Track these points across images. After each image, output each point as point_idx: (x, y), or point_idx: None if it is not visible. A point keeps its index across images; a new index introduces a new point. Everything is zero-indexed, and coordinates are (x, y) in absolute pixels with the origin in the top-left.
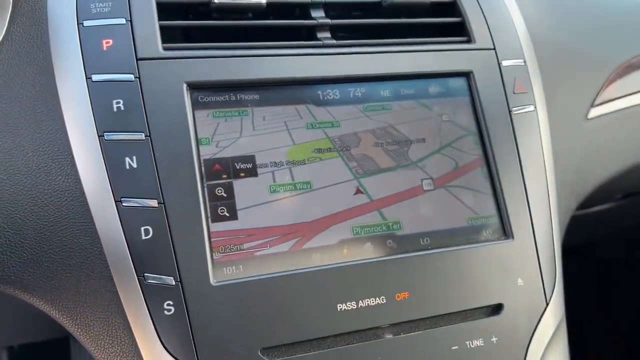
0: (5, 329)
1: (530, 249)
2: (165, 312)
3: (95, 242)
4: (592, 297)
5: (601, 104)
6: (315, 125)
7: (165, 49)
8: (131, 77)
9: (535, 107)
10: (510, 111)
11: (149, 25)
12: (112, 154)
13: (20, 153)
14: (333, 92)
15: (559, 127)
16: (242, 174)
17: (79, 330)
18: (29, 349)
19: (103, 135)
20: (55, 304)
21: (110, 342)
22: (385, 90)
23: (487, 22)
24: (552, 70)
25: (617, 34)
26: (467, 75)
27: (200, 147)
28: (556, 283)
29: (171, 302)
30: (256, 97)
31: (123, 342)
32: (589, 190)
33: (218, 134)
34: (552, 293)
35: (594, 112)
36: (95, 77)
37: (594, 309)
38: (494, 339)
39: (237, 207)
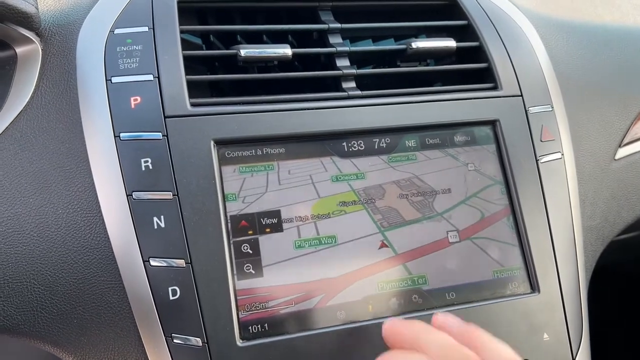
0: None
1: (556, 303)
2: None
3: (124, 301)
4: (617, 318)
5: (629, 143)
6: (340, 178)
7: (192, 104)
8: (159, 135)
9: (562, 154)
10: (537, 160)
11: (177, 81)
12: (140, 213)
13: (50, 210)
14: (358, 143)
15: (586, 171)
16: (268, 230)
17: None
18: None
19: (131, 195)
20: None
21: None
22: (410, 140)
23: (513, 67)
24: (579, 112)
25: None
26: (493, 123)
27: (227, 204)
28: (582, 337)
29: None
30: (282, 150)
31: None
32: (616, 232)
33: (244, 189)
34: (579, 348)
35: (622, 152)
36: (123, 135)
37: (616, 325)
38: None
39: (263, 264)
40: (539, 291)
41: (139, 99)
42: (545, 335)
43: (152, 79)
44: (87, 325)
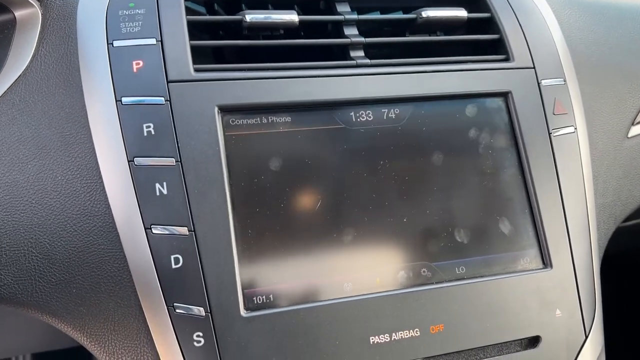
0: (29, 336)
1: (569, 279)
2: (195, 343)
3: (124, 269)
4: (627, 307)
5: None
6: (348, 148)
7: (196, 70)
8: (162, 100)
9: (575, 129)
10: (550, 133)
11: (180, 45)
12: (142, 180)
13: (49, 176)
14: (366, 113)
15: (598, 148)
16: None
17: (107, 357)
18: (53, 355)
19: (133, 160)
20: (84, 330)
21: None
22: (420, 111)
23: (526, 39)
24: (592, 87)
25: None
26: (505, 95)
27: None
28: (596, 313)
29: (201, 334)
30: (288, 119)
31: None
32: (628, 212)
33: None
34: (592, 324)
35: (635, 131)
36: (125, 100)
37: (629, 319)
38: None
39: (268, 234)
40: (551, 267)
41: (141, 63)
42: (558, 311)
43: (155, 42)
44: (87, 295)
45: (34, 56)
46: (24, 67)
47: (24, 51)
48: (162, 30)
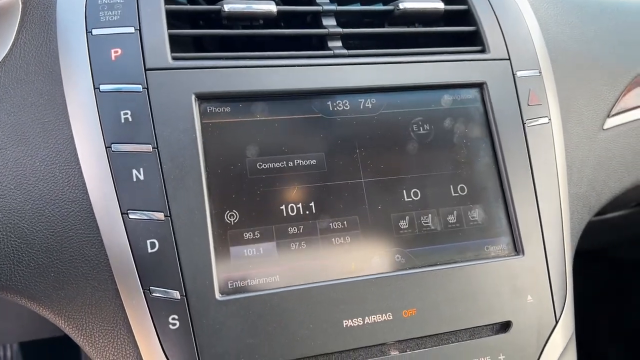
0: (16, 325)
1: (541, 265)
2: (170, 326)
3: (102, 253)
4: (602, 300)
5: (617, 113)
6: (323, 136)
7: (174, 58)
8: (139, 87)
9: (549, 119)
10: (524, 124)
11: (158, 34)
12: (119, 166)
13: (28, 162)
14: (343, 102)
15: (573, 139)
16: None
17: (85, 340)
18: (40, 344)
19: (110, 147)
20: (62, 314)
21: (115, 354)
22: (396, 101)
23: (502, 31)
24: (568, 79)
25: (636, 42)
26: (480, 86)
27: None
28: (566, 300)
29: (176, 317)
30: (265, 108)
31: (128, 355)
32: (603, 202)
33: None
34: (562, 310)
35: (610, 123)
36: (103, 88)
37: (603, 311)
38: (501, 357)
39: (243, 219)
40: (523, 254)
41: (119, 51)
42: (529, 297)
43: (134, 31)
44: (65, 279)
45: (13, 44)
46: (4, 55)
47: (3, 39)
48: (140, 19)
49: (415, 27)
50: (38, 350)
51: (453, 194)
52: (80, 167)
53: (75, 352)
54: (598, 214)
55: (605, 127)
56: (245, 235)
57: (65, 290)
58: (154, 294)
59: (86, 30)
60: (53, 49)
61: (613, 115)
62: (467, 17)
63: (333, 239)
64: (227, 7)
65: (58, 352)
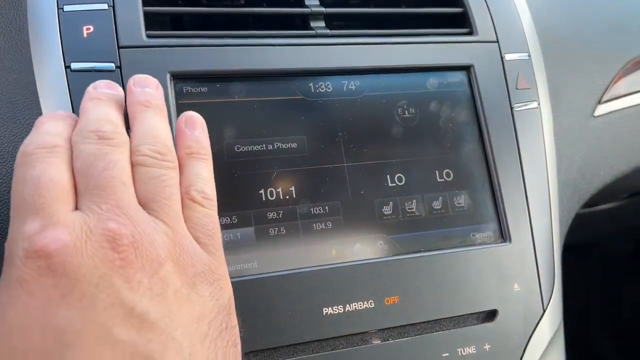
0: None
1: (528, 253)
2: None
3: None
4: (594, 294)
5: (608, 100)
6: (305, 118)
7: (149, 36)
8: (112, 66)
9: (538, 104)
10: (512, 108)
11: (133, 11)
12: None
13: None
14: (325, 84)
15: (563, 125)
16: None
17: None
18: None
19: None
20: None
21: None
22: (380, 83)
23: (490, 13)
24: (558, 64)
25: (627, 28)
26: (467, 69)
27: None
28: (554, 289)
29: None
30: (243, 88)
31: None
32: (593, 191)
33: None
34: (550, 299)
35: (601, 110)
36: (74, 66)
37: (595, 306)
38: (487, 347)
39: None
40: (510, 241)
41: (91, 28)
42: (516, 286)
43: (107, 7)
44: None
45: None
46: None
47: None
48: None
49: (401, 8)
50: None
51: (438, 180)
52: None
53: None
54: (588, 205)
55: (595, 114)
56: (223, 220)
57: None
58: None
59: (57, 6)
60: (23, 25)
61: (604, 102)
62: None
63: (314, 225)
64: None
65: None
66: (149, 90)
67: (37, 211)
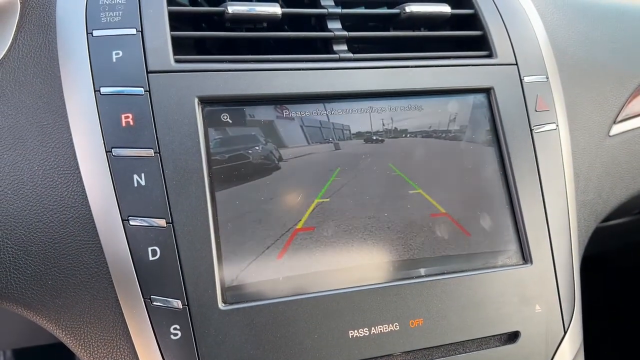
0: (10, 332)
1: (549, 275)
2: (172, 336)
3: (101, 261)
4: (606, 306)
5: (623, 120)
6: (327, 141)
7: (176, 61)
8: (141, 90)
9: (557, 125)
10: (531, 130)
11: (161, 36)
12: (119, 171)
13: (25, 166)
14: (349, 107)
15: (580, 145)
16: None
17: (83, 350)
18: (34, 351)
19: (111, 151)
20: (59, 323)
21: None
22: (402, 105)
23: (509, 36)
24: (574, 85)
25: None
26: (487, 91)
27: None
28: (575, 309)
29: (178, 326)
30: (270, 112)
31: None
32: (609, 210)
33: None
34: (571, 320)
35: (616, 129)
36: (104, 90)
37: (606, 317)
38: None
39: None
40: (531, 262)
41: (120, 53)
42: (537, 307)
43: (135, 32)
44: (62, 287)
45: (11, 45)
46: (2, 56)
47: (1, 39)
48: (142, 20)
49: (421, 31)
50: (32, 357)
51: (460, 202)
52: (79, 172)
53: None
54: (601, 220)
55: (611, 133)
56: (249, 242)
57: (62, 299)
58: (155, 303)
59: (87, 31)
60: (52, 50)
61: (619, 122)
62: (474, 21)
63: (339, 247)
64: (230, 9)
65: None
66: None
67: None
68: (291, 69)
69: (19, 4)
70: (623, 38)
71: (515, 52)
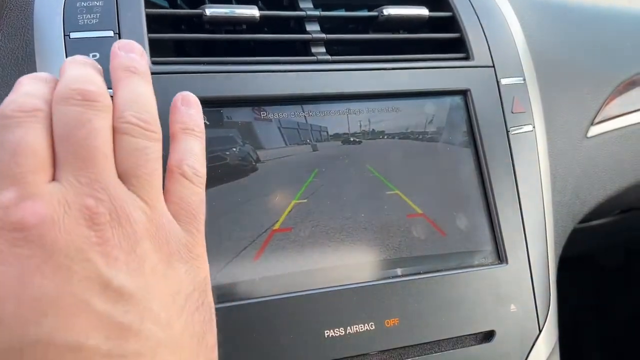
0: None
1: (524, 274)
2: None
3: None
4: (586, 305)
5: (601, 122)
6: (305, 142)
7: (154, 63)
8: None
9: (533, 127)
10: (508, 131)
11: (138, 38)
12: None
13: None
14: (326, 109)
15: (557, 147)
16: None
17: None
18: None
19: None
20: None
21: None
22: (379, 107)
23: (486, 38)
24: (552, 87)
25: (619, 50)
26: (464, 93)
27: None
28: (550, 309)
29: None
30: (248, 114)
31: None
32: (586, 211)
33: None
34: (546, 319)
35: (594, 131)
36: None
37: (587, 317)
38: None
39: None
40: (507, 262)
41: (97, 55)
42: (513, 307)
43: (113, 35)
44: None
45: None
46: None
47: None
48: (120, 22)
49: (399, 33)
50: None
51: (436, 202)
52: None
53: None
54: (581, 221)
55: (588, 135)
56: (226, 243)
57: None
58: None
59: (64, 33)
60: (30, 52)
61: (596, 124)
62: (452, 24)
63: (315, 248)
64: (208, 12)
65: None
66: (134, 55)
67: (14, 180)
68: (269, 71)
69: None
70: (601, 41)
71: (492, 54)
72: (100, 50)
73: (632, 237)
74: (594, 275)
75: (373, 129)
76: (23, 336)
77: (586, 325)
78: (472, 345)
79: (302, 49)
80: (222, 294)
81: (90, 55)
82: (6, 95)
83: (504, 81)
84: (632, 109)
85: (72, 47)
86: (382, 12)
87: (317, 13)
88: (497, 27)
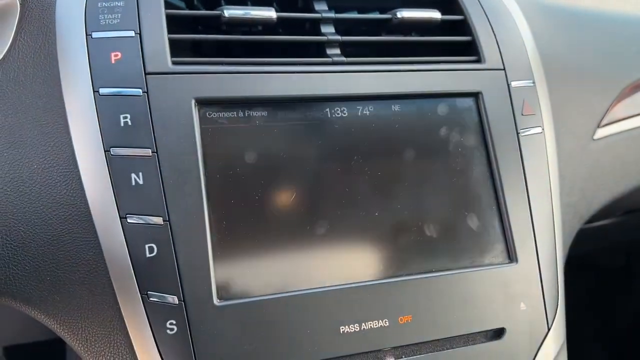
0: (1, 329)
1: (533, 273)
2: (168, 331)
3: (99, 258)
4: (589, 305)
5: (608, 124)
6: (321, 143)
7: (174, 63)
8: (139, 91)
9: (543, 129)
10: (518, 133)
11: (159, 38)
12: (118, 170)
13: (25, 165)
14: (341, 109)
15: (565, 149)
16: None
17: (81, 345)
18: (25, 348)
19: (109, 150)
20: (58, 318)
21: (112, 359)
22: (393, 108)
23: (497, 41)
24: (560, 90)
25: (626, 53)
26: (476, 95)
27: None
28: (558, 307)
29: (174, 322)
30: (264, 113)
31: None
32: (592, 212)
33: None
34: (554, 317)
35: (600, 133)
36: (102, 91)
37: (589, 316)
38: None
39: (242, 225)
40: (517, 261)
41: (119, 54)
42: (522, 305)
43: (134, 35)
44: (61, 283)
45: (11, 45)
46: (1, 56)
47: (1, 40)
48: (140, 23)
49: (412, 36)
50: (22, 354)
51: (448, 202)
52: (78, 170)
53: (60, 356)
54: (586, 222)
55: (595, 137)
56: (244, 240)
57: (61, 294)
58: (151, 299)
59: (86, 33)
60: (52, 51)
61: (603, 126)
62: (463, 27)
63: (330, 245)
64: (226, 13)
65: (43, 357)
66: None
67: None
68: (286, 72)
69: (18, 5)
70: (608, 44)
71: (503, 57)
72: (122, 50)
73: (634, 240)
74: (596, 275)
75: (387, 129)
76: None
77: (589, 325)
78: (482, 342)
79: (317, 50)
80: (240, 290)
81: (112, 54)
82: (27, 95)
83: (514, 84)
84: (638, 112)
85: (94, 47)
86: (395, 15)
87: (332, 15)
88: (507, 30)
